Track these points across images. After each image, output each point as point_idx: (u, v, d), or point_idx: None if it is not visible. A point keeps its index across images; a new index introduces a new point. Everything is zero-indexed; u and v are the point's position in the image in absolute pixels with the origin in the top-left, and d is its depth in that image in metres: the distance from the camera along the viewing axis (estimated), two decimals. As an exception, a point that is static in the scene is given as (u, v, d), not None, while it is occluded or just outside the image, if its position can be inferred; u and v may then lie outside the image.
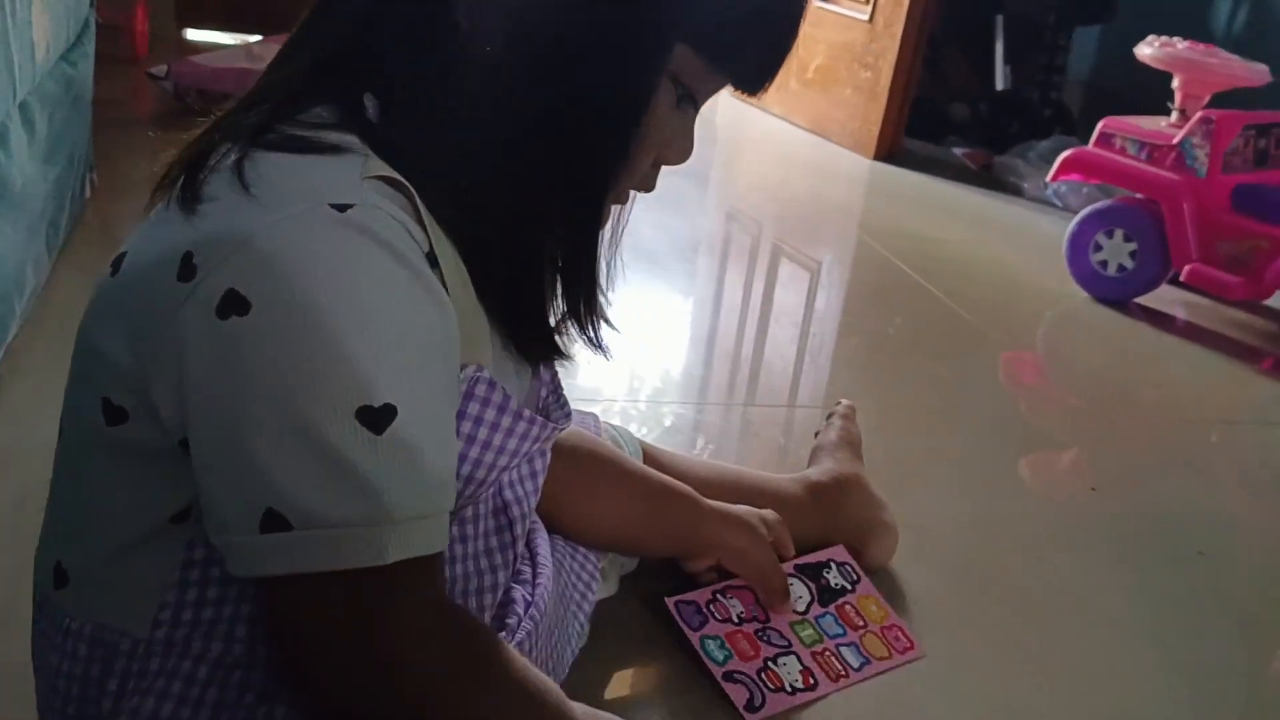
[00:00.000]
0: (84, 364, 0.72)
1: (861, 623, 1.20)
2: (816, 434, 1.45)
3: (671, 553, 1.16)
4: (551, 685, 0.72)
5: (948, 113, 3.83)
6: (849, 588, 1.23)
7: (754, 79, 0.77)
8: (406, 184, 0.65)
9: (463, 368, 0.69)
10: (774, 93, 3.23)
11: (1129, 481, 1.75)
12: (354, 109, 0.68)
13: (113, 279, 0.69)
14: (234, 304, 0.60)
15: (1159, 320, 2.41)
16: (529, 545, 0.97)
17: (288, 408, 0.60)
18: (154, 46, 3.14)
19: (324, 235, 0.61)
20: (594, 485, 1.05)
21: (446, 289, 0.66)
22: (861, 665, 1.15)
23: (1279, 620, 1.41)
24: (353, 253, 0.61)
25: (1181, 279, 2.32)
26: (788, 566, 1.20)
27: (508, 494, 0.82)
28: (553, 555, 0.99)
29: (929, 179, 3.34)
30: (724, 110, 3.94)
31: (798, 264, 2.65)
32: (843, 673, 1.13)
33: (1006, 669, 1.23)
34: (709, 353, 2.04)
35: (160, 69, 2.62)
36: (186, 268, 0.62)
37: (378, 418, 0.61)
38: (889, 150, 3.43)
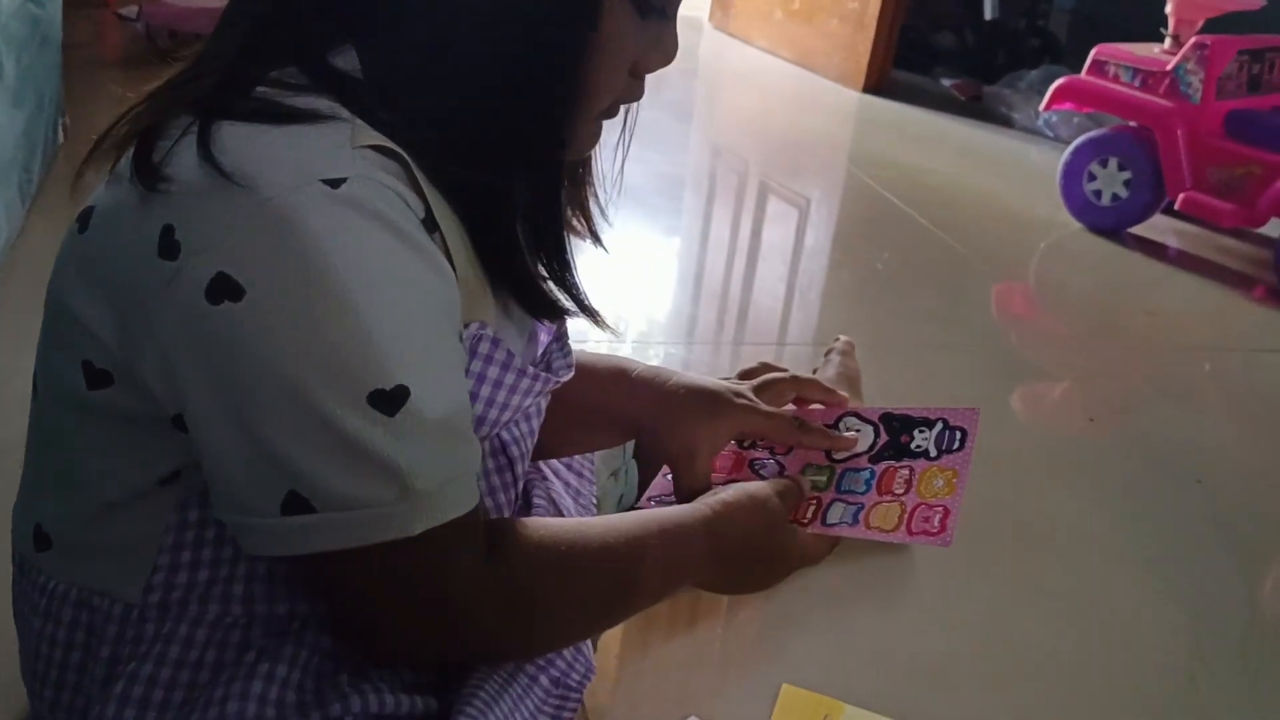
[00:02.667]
0: (59, 326, 0.68)
1: (901, 491, 0.97)
2: (815, 371, 1.43)
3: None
4: (607, 543, 0.75)
5: (934, 42, 3.78)
6: (932, 453, 1.02)
7: None
8: (398, 150, 0.62)
9: (466, 325, 0.67)
10: (758, 25, 3.19)
11: (1124, 411, 1.74)
12: (323, 68, 0.64)
13: (82, 235, 0.65)
14: (225, 289, 0.57)
15: (1152, 249, 2.39)
16: (528, 487, 0.95)
17: (298, 397, 0.58)
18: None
19: (319, 214, 0.57)
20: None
21: (449, 251, 0.64)
22: (841, 524, 0.94)
23: (1276, 546, 1.40)
24: (350, 232, 0.58)
25: (1176, 207, 2.29)
26: (882, 413, 1.02)
27: (505, 435, 0.80)
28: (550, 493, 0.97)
29: (917, 110, 3.30)
30: (707, 45, 3.89)
31: (785, 199, 2.62)
32: (807, 520, 0.93)
33: (1005, 600, 1.22)
34: (697, 291, 2.02)
35: (130, 10, 2.57)
36: (168, 242, 0.59)
37: (391, 400, 0.59)
38: (876, 82, 3.39)
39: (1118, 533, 1.37)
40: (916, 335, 1.87)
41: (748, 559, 0.84)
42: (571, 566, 0.72)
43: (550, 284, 0.76)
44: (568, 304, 0.77)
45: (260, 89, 0.62)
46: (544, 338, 0.83)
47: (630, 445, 1.13)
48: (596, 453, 1.07)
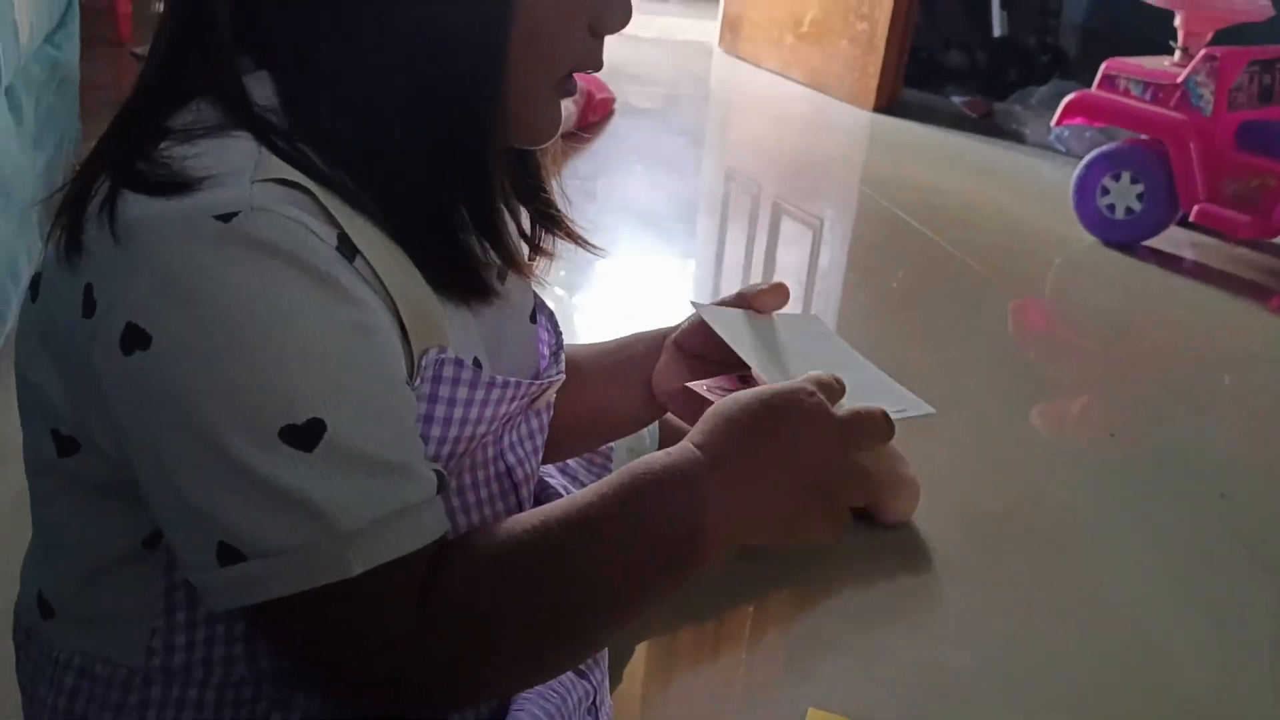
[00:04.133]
0: (24, 395, 0.68)
1: None
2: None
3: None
4: (551, 542, 0.63)
5: (944, 61, 3.79)
6: None
7: None
8: (301, 181, 0.59)
9: (424, 353, 0.64)
10: (768, 48, 3.20)
11: (1146, 425, 1.74)
12: (237, 96, 0.61)
13: (34, 304, 0.65)
14: (135, 339, 0.56)
15: (1168, 262, 2.39)
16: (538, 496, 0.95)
17: (209, 442, 0.56)
18: (138, 27, 3.11)
19: (210, 252, 0.55)
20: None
21: (378, 275, 0.60)
22: None
23: (1304, 560, 1.39)
24: (240, 265, 0.56)
25: (1190, 219, 2.29)
26: None
27: (509, 457, 0.78)
28: None
29: (929, 129, 3.31)
30: (718, 69, 3.90)
31: (799, 220, 2.62)
32: None
33: (1030, 615, 1.22)
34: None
35: (146, 49, 2.59)
36: (88, 300, 0.58)
37: (305, 434, 0.56)
38: (887, 102, 3.39)
39: (1142, 547, 1.37)
40: (935, 354, 1.87)
41: (785, 483, 0.64)
42: (512, 582, 0.62)
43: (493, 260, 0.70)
44: (491, 284, 0.69)
45: (167, 140, 0.60)
46: (544, 338, 0.82)
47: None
48: None
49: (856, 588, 1.24)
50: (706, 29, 4.21)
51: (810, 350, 0.83)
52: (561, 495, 0.94)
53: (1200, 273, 2.37)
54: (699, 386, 0.80)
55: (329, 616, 0.59)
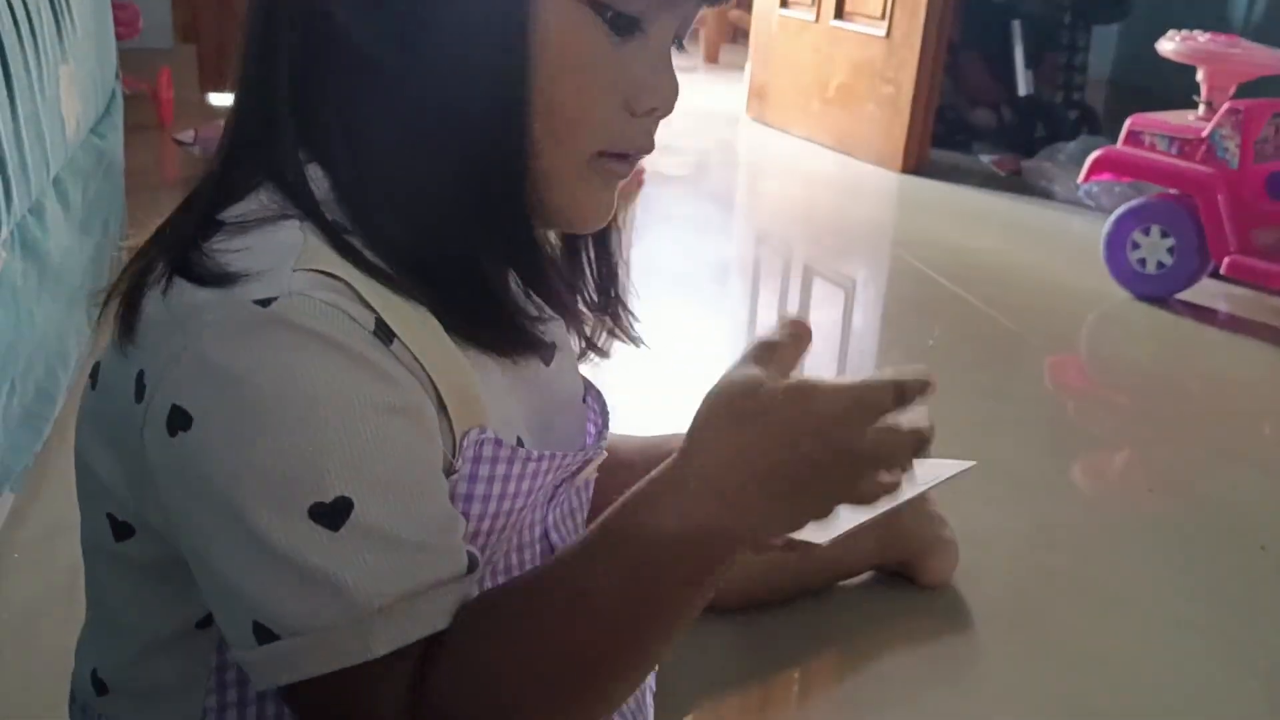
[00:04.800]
0: (84, 480, 0.70)
1: None
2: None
3: None
4: (544, 591, 0.63)
5: (972, 120, 3.82)
6: None
7: None
8: (338, 274, 0.60)
9: (466, 434, 0.65)
10: (795, 114, 3.24)
11: (1184, 479, 1.73)
12: (298, 184, 0.63)
13: (93, 392, 0.67)
14: (179, 420, 0.58)
15: (1202, 315, 2.38)
16: None
17: (241, 520, 0.57)
18: (179, 112, 3.17)
19: (248, 335, 0.57)
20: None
21: (417, 357, 0.61)
22: None
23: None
24: (275, 348, 0.57)
25: (1221, 271, 2.29)
26: None
27: (553, 536, 0.79)
28: None
29: (958, 188, 3.33)
30: (746, 136, 3.94)
31: (832, 282, 2.64)
32: None
33: (1074, 675, 1.21)
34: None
35: (187, 134, 2.65)
36: (139, 386, 0.60)
37: (332, 513, 0.57)
38: (915, 163, 3.41)
39: (1184, 602, 1.36)
40: (972, 412, 1.87)
41: (781, 471, 0.58)
42: (513, 641, 0.61)
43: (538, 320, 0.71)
44: (538, 336, 0.69)
45: (221, 233, 0.62)
46: (592, 418, 0.82)
47: None
48: None
49: (900, 650, 1.24)
50: (734, 97, 4.26)
51: None
52: None
53: (1235, 324, 2.36)
54: None
55: (354, 693, 0.59)
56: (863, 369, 2.07)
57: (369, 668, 0.58)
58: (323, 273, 0.59)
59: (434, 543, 0.61)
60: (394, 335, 0.60)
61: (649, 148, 0.68)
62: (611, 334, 0.81)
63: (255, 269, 0.59)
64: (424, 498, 0.61)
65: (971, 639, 1.26)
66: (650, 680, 0.94)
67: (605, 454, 0.80)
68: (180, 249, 0.62)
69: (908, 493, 0.77)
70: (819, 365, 2.08)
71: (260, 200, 0.63)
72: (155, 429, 0.59)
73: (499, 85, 0.62)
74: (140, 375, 0.60)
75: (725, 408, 0.60)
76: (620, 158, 0.67)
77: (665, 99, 0.66)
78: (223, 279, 0.60)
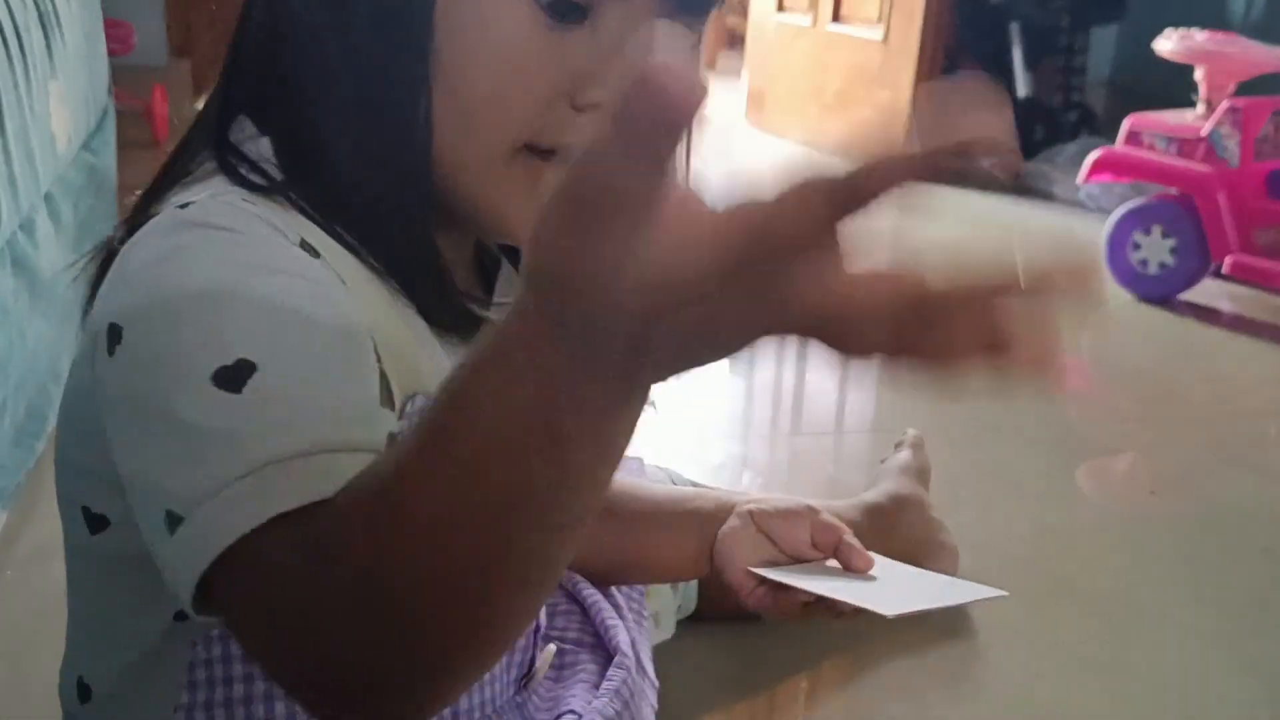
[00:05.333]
0: (60, 481, 0.71)
1: None
2: (883, 461, 1.44)
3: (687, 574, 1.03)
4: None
5: (970, 124, 3.81)
6: None
7: None
8: (283, 194, 0.62)
9: (411, 399, 0.62)
10: (793, 120, 3.23)
11: (1187, 482, 1.72)
12: (229, 146, 0.64)
13: (67, 383, 0.69)
14: (115, 336, 0.56)
15: (1205, 315, 2.37)
16: (580, 600, 0.95)
17: (156, 405, 0.54)
18: (173, 127, 3.17)
19: (166, 236, 0.58)
20: None
21: (344, 282, 0.60)
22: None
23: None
24: (193, 241, 0.57)
25: (1223, 271, 2.28)
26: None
27: None
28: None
29: (957, 191, 3.31)
30: (745, 141, 3.94)
31: (832, 288, 2.63)
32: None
33: (1078, 681, 1.20)
34: (749, 385, 2.02)
35: (183, 149, 2.64)
36: (92, 335, 0.59)
37: (234, 374, 0.52)
38: (914, 166, 3.41)
39: (1188, 606, 1.35)
40: (975, 417, 1.86)
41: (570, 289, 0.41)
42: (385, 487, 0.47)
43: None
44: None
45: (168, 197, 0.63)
46: None
47: None
48: None
49: (903, 657, 1.23)
50: (732, 103, 4.26)
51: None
52: (596, 599, 0.95)
53: (1238, 324, 2.35)
54: (770, 572, 0.86)
55: (249, 572, 0.50)
56: (865, 374, 2.06)
57: (268, 538, 0.49)
58: (256, 188, 0.61)
59: (346, 413, 0.55)
60: (317, 254, 0.60)
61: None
62: None
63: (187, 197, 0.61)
64: (336, 372, 0.56)
65: (974, 644, 1.25)
66: (651, 696, 0.94)
67: None
68: (129, 224, 0.63)
69: (937, 603, 0.81)
70: (820, 373, 2.07)
71: (205, 169, 0.64)
72: (101, 358, 0.57)
73: (400, 62, 0.61)
74: (92, 327, 0.60)
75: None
76: (547, 154, 0.63)
77: (607, 85, 0.61)
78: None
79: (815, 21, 3.68)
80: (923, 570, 0.95)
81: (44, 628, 1.17)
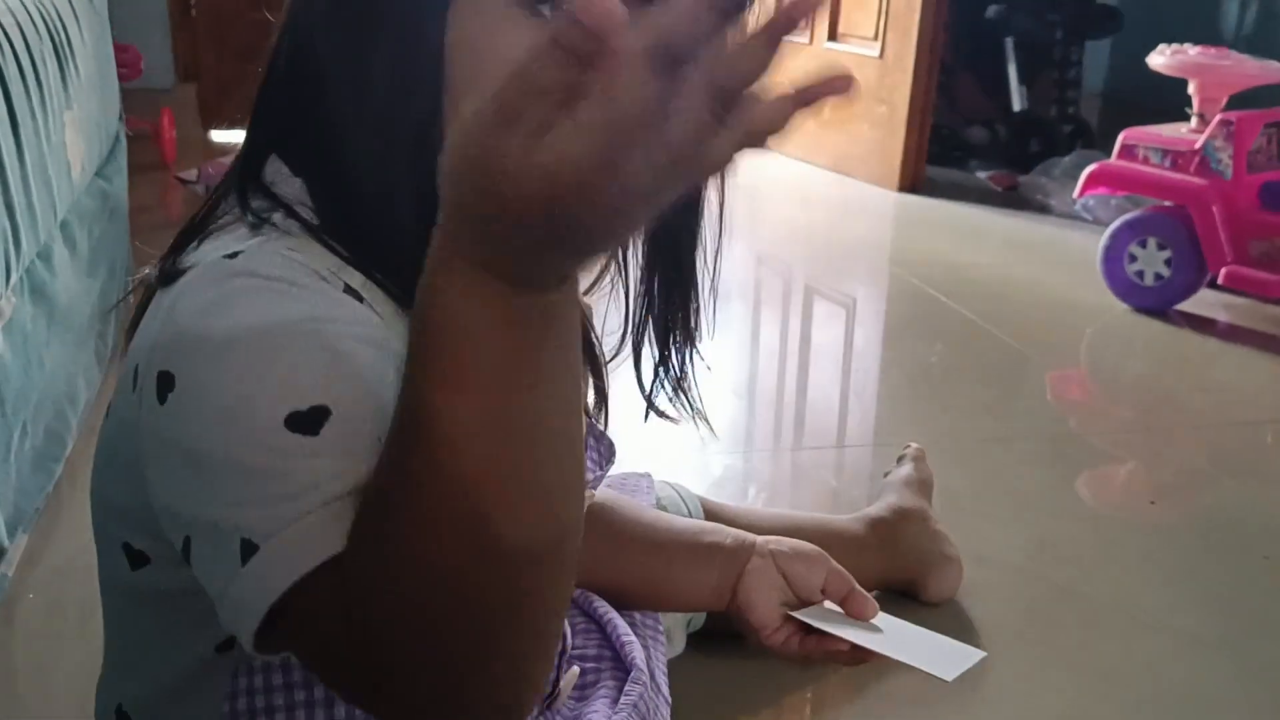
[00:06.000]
0: (98, 516, 0.73)
1: None
2: (886, 474, 1.46)
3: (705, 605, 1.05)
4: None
5: (967, 137, 3.84)
6: None
7: None
8: (322, 239, 0.64)
9: None
10: (792, 136, 3.22)
11: (1188, 490, 1.75)
12: (259, 186, 0.67)
13: (105, 421, 0.70)
14: (166, 383, 0.59)
15: (1201, 325, 2.40)
16: (596, 619, 0.98)
17: (229, 442, 0.56)
18: (182, 151, 3.20)
19: (218, 285, 0.60)
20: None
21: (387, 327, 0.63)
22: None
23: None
24: (247, 291, 0.59)
25: (1219, 281, 2.31)
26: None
27: None
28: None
29: (955, 205, 3.35)
30: (743, 157, 3.97)
31: (832, 302, 2.66)
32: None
33: (1082, 690, 1.22)
34: (751, 399, 2.05)
35: (190, 173, 2.69)
36: (135, 379, 0.62)
37: (308, 420, 0.56)
38: (912, 181, 3.44)
39: (1188, 614, 1.37)
40: (976, 429, 1.89)
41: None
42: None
43: None
44: None
45: (205, 236, 0.66)
46: (593, 457, 0.85)
47: None
48: None
49: (908, 668, 1.24)
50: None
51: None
52: (611, 616, 0.97)
53: (1234, 334, 2.38)
54: (811, 619, 0.96)
55: (338, 587, 0.54)
56: (866, 388, 2.09)
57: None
58: (291, 251, 0.62)
59: None
60: (363, 299, 0.62)
61: None
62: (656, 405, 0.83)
63: (227, 245, 0.63)
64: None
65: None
66: (665, 712, 0.96)
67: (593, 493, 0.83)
68: (166, 261, 0.65)
69: (898, 655, 0.88)
70: (822, 387, 2.10)
71: (236, 211, 0.66)
72: (149, 405, 0.59)
73: (411, 83, 0.64)
74: (135, 369, 0.62)
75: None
76: None
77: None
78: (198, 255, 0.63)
79: (812, 39, 3.71)
80: (919, 627, 1.00)
81: (66, 649, 1.21)
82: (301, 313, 0.59)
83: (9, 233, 1.25)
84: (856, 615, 0.96)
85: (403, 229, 0.64)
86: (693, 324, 0.80)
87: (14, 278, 1.31)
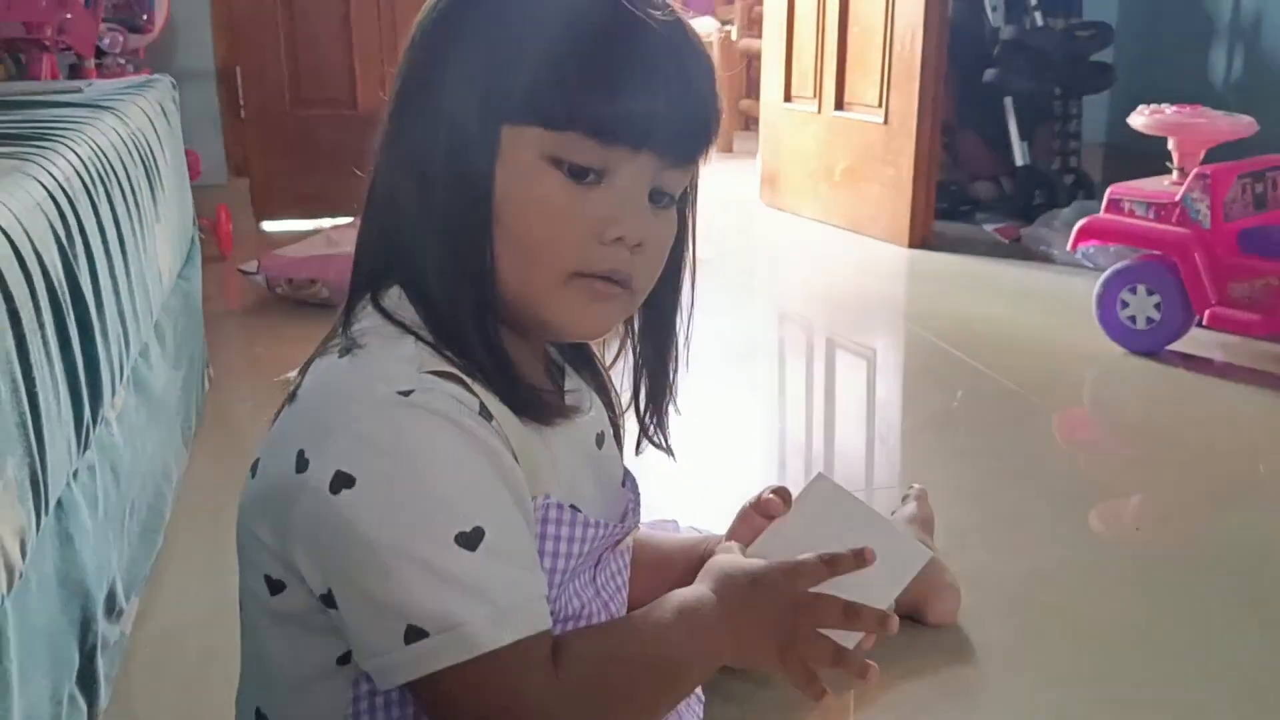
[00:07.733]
0: (245, 548, 0.88)
1: None
2: (893, 513, 1.58)
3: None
4: (642, 635, 0.86)
5: (974, 193, 4.00)
6: None
7: (631, 129, 0.80)
8: (454, 372, 0.81)
9: (534, 498, 0.83)
10: (805, 198, 3.47)
11: (1180, 522, 1.84)
12: (385, 305, 0.85)
13: (253, 481, 0.87)
14: (343, 481, 0.76)
15: (1195, 364, 2.52)
16: None
17: (405, 549, 0.75)
18: (237, 242, 3.40)
19: (396, 415, 0.77)
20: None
21: (505, 434, 0.82)
22: None
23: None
24: (420, 424, 0.77)
25: (1204, 323, 2.46)
26: None
27: (603, 593, 0.95)
28: None
29: (964, 258, 3.50)
30: (761, 220, 4.13)
31: (852, 355, 2.82)
32: None
33: (1079, 707, 1.29)
34: (781, 449, 2.19)
35: (251, 265, 2.86)
36: (300, 462, 0.79)
37: (471, 539, 0.76)
38: (921, 237, 3.60)
39: (1182, 642, 1.43)
40: (991, 470, 2.00)
41: (757, 635, 0.86)
42: (620, 661, 0.83)
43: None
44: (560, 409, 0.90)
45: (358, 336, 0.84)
46: (630, 497, 1.01)
47: None
48: None
49: (907, 683, 1.32)
50: (748, 183, 4.46)
51: (829, 531, 0.95)
52: None
53: (1227, 371, 2.50)
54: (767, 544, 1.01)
55: (487, 676, 0.76)
56: (889, 435, 2.23)
57: (505, 657, 0.76)
58: (442, 374, 0.81)
59: (533, 568, 0.81)
60: (492, 415, 0.82)
61: (624, 269, 0.83)
62: (646, 437, 1.00)
63: (393, 374, 0.79)
64: (525, 532, 0.82)
65: (975, 674, 1.37)
66: (698, 709, 1.11)
67: (639, 524, 1.00)
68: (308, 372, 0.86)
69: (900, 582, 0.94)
70: (847, 437, 2.24)
71: (374, 320, 0.86)
72: (318, 488, 0.77)
73: (470, 222, 0.83)
74: (300, 453, 0.80)
75: (740, 588, 0.87)
76: (601, 278, 0.83)
77: (628, 231, 0.82)
78: (350, 350, 0.83)
79: (820, 108, 3.90)
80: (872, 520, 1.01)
81: (179, 702, 1.33)
82: (462, 444, 0.79)
83: (122, 337, 1.45)
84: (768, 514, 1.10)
85: (468, 323, 0.84)
86: (672, 378, 1.00)
87: (125, 375, 1.50)
